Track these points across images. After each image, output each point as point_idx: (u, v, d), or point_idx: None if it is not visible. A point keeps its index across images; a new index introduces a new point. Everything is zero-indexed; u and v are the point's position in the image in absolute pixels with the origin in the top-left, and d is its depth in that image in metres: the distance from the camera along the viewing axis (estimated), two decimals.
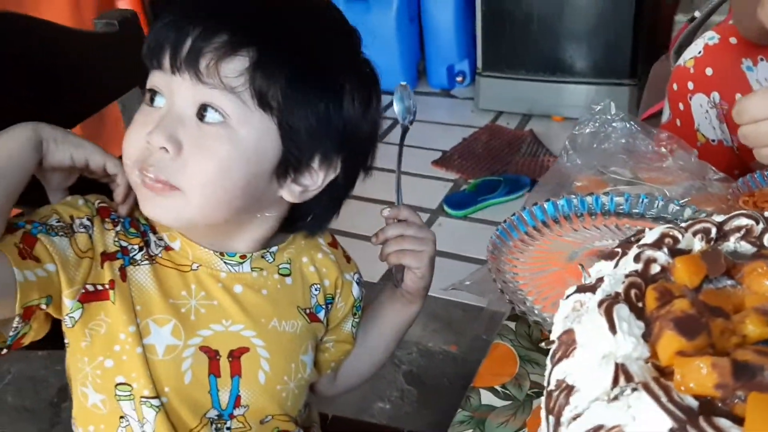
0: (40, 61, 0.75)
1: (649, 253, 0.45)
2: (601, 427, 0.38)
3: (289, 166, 0.66)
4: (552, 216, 0.82)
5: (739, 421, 0.35)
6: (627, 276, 0.44)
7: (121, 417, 0.68)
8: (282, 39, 0.63)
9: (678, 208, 0.80)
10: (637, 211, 0.82)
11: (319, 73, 0.64)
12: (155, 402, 0.67)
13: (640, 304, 0.42)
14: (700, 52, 1.20)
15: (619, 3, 2.78)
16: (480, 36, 3.02)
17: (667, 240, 0.46)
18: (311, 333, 0.77)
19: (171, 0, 0.65)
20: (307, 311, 0.76)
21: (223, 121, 0.62)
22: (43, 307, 0.62)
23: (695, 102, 1.19)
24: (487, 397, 0.64)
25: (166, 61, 0.62)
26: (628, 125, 0.92)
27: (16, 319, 0.60)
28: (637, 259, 0.45)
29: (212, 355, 0.69)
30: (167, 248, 0.69)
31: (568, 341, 0.42)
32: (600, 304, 0.42)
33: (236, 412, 0.71)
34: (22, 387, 1.89)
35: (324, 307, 0.79)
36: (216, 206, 0.64)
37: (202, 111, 0.62)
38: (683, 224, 0.49)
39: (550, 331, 0.66)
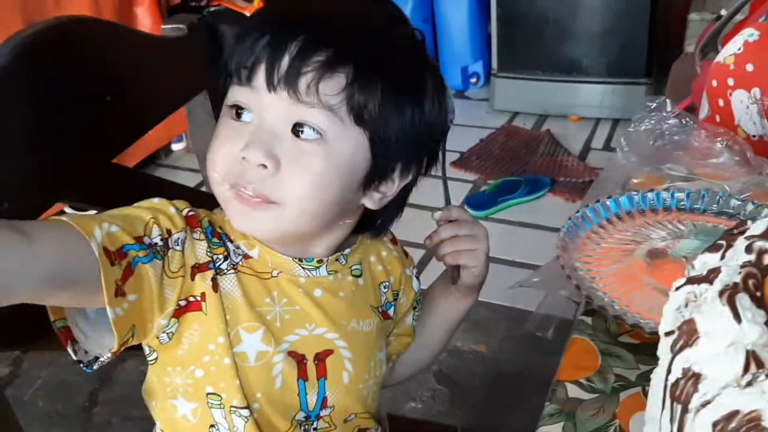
0: (110, 65, 0.75)
1: (760, 243, 0.46)
2: (736, 412, 0.39)
3: (375, 175, 0.67)
4: (615, 213, 0.83)
5: None
6: (742, 267, 0.45)
7: (212, 426, 0.69)
8: (376, 53, 0.63)
9: (739, 203, 0.81)
10: (698, 206, 0.83)
11: (409, 82, 0.65)
12: (245, 412, 0.67)
13: (758, 294, 0.44)
14: (740, 49, 1.21)
15: (634, 3, 2.80)
16: (495, 37, 3.04)
17: None
18: (384, 330, 0.79)
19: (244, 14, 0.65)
20: (380, 309, 0.78)
21: (319, 137, 0.62)
22: (130, 340, 0.62)
23: (735, 98, 1.20)
24: (573, 391, 0.64)
25: (260, 80, 0.62)
26: (683, 121, 0.93)
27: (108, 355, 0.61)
28: (749, 250, 0.46)
29: (300, 359, 0.70)
30: (246, 256, 0.69)
31: (690, 331, 0.43)
32: (721, 294, 0.43)
33: (323, 413, 0.72)
34: (52, 392, 1.91)
35: (393, 303, 0.80)
36: (310, 219, 0.65)
37: (297, 128, 0.62)
38: None
39: (631, 325, 0.68)
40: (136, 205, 0.65)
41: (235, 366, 0.67)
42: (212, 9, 2.97)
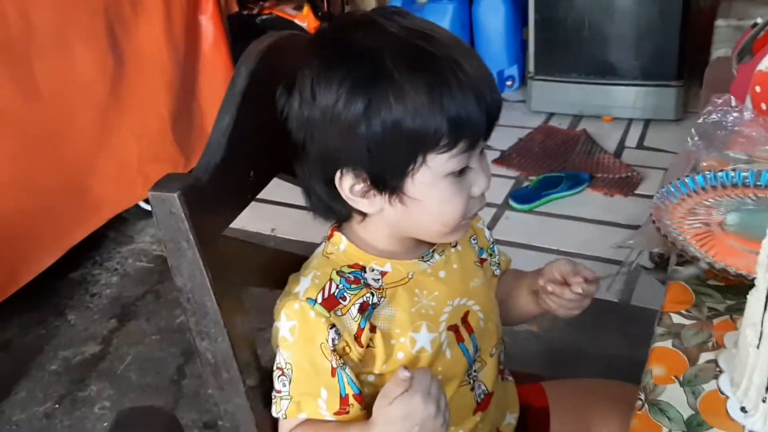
0: None
1: None
2: None
3: None
4: (692, 189, 1.01)
5: None
6: None
7: None
8: None
9: None
10: (760, 183, 1.01)
11: None
12: None
13: None
14: None
15: (666, 9, 2.96)
16: (532, 42, 3.22)
17: None
18: (487, 274, 0.97)
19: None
20: (479, 260, 0.96)
21: None
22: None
23: None
24: (676, 318, 0.83)
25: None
26: (745, 114, 1.10)
27: None
28: None
29: (454, 329, 0.88)
30: (383, 273, 0.84)
31: None
32: None
33: (476, 356, 0.91)
34: (143, 366, 2.08)
35: (483, 249, 0.97)
36: None
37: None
38: None
39: (718, 270, 0.86)
40: (304, 362, 0.79)
41: (417, 361, 0.83)
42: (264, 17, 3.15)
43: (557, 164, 2.88)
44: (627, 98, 3.12)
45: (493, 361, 0.94)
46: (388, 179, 0.77)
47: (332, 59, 0.76)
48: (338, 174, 0.78)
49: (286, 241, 2.56)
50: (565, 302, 0.90)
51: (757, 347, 0.67)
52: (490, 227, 2.48)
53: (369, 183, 0.77)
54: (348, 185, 0.78)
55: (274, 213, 2.63)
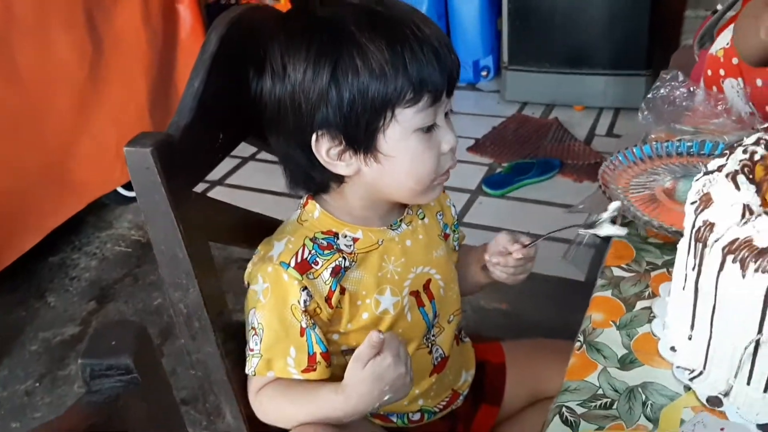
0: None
1: (752, 147, 0.71)
2: (736, 239, 0.64)
3: None
4: (639, 157, 1.08)
5: None
6: (740, 161, 0.69)
7: None
8: None
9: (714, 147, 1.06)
10: (703, 152, 1.08)
11: None
12: None
13: (751, 176, 0.68)
14: (728, 44, 1.45)
15: (635, 0, 3.04)
16: (506, 32, 3.28)
17: (761, 141, 0.71)
18: (449, 248, 1.03)
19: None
20: (442, 234, 1.02)
21: None
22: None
23: (727, 85, 1.44)
24: (617, 272, 0.89)
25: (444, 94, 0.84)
26: (692, 89, 1.17)
27: None
28: (744, 151, 0.70)
29: (416, 295, 0.94)
30: (354, 239, 0.90)
31: (706, 199, 0.68)
32: (727, 176, 0.68)
33: (434, 321, 0.97)
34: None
35: (447, 225, 1.04)
36: None
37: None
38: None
39: (657, 228, 0.92)
40: (275, 322, 0.85)
41: (380, 321, 0.90)
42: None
43: (529, 151, 2.95)
44: (597, 87, 3.19)
45: (451, 327, 1.00)
46: (361, 138, 0.82)
47: (297, 30, 0.81)
48: (314, 137, 0.83)
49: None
50: (511, 269, 0.97)
51: (683, 289, 0.74)
52: (465, 211, 2.56)
53: (344, 144, 0.83)
54: (324, 149, 0.83)
55: (250, 198, 2.69)
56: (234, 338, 0.88)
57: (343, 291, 0.87)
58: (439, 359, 0.99)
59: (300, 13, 0.85)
